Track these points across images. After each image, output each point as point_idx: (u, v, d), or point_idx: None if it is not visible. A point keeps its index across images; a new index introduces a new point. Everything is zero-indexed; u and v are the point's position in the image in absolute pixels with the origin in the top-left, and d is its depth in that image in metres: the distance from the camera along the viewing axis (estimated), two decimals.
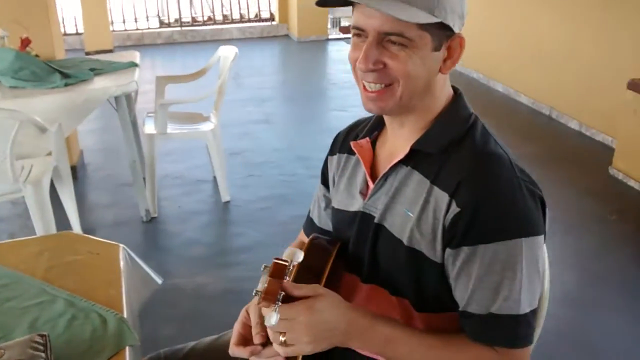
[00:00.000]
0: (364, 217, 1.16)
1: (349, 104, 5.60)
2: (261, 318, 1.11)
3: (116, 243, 1.56)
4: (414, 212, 1.06)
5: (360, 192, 1.19)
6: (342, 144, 1.30)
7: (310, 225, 1.41)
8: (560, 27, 4.90)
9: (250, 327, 1.14)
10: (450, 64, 1.07)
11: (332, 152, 1.33)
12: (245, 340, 1.13)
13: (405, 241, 1.07)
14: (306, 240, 1.40)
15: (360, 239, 1.16)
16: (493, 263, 1.00)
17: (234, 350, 1.13)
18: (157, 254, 3.13)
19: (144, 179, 3.49)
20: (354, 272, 1.18)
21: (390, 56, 1.02)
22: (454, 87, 1.15)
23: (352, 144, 1.22)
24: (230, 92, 5.17)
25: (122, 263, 1.48)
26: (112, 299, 1.31)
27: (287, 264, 0.86)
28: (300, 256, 0.86)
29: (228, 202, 3.64)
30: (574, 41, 4.72)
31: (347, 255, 1.20)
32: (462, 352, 1.04)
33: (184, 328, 2.51)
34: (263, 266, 0.95)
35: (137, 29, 8.58)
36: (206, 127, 3.58)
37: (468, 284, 1.03)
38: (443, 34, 1.03)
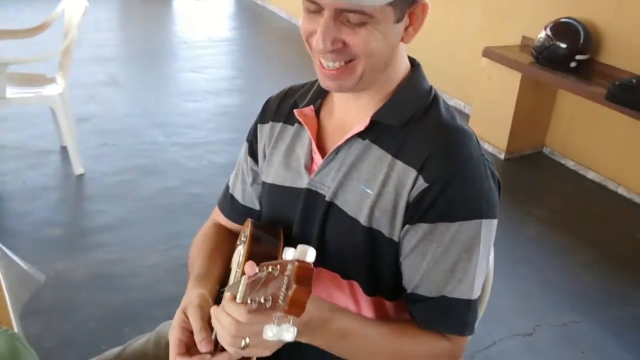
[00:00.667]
0: (310, 195, 1.04)
1: (203, 64, 5.33)
2: (205, 321, 0.94)
3: None
4: (373, 188, 0.98)
5: (305, 167, 1.07)
6: (276, 111, 1.15)
7: (230, 204, 1.24)
8: None
9: (191, 332, 0.96)
10: (413, 31, 0.97)
11: (263, 120, 1.18)
12: (188, 348, 0.96)
13: (362, 220, 0.98)
14: (225, 221, 1.26)
15: (307, 219, 1.05)
16: (452, 243, 0.95)
17: None
18: (7, 237, 2.71)
19: None
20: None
21: (349, 33, 0.91)
22: (410, 58, 1.06)
23: (296, 112, 1.08)
24: (75, 49, 4.64)
25: None
26: None
27: (312, 267, 0.68)
28: (313, 254, 0.69)
29: (82, 175, 3.27)
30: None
31: (290, 237, 1.07)
32: (417, 341, 0.98)
33: (51, 324, 2.21)
34: (242, 259, 0.82)
35: None
36: (52, 90, 3.15)
37: (421, 263, 0.97)
38: (405, 3, 0.93)
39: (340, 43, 0.91)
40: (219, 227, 1.26)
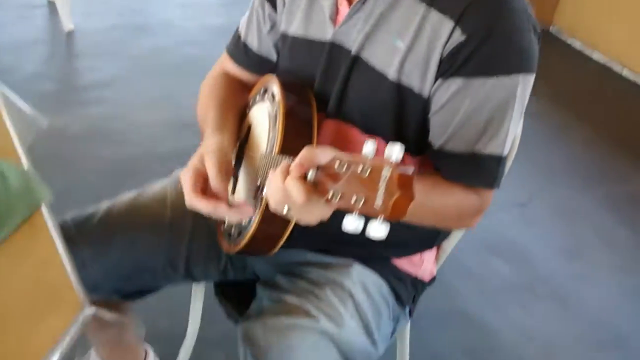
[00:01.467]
0: (334, 49, 0.96)
1: None
2: (222, 167, 0.88)
3: None
4: (405, 40, 0.89)
5: (330, 18, 0.97)
6: None
7: (244, 52, 1.14)
8: None
9: (205, 177, 0.91)
10: None
11: None
12: (202, 192, 0.91)
13: (390, 75, 0.91)
14: (236, 70, 1.16)
15: (329, 74, 0.97)
16: (488, 99, 0.88)
17: (192, 200, 0.90)
18: None
19: None
20: (318, 109, 0.98)
21: None
22: None
23: None
24: None
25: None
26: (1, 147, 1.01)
27: (411, 171, 0.61)
28: (401, 153, 0.62)
29: (71, 31, 3.12)
30: None
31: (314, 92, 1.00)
32: (447, 193, 0.94)
33: (48, 176, 2.15)
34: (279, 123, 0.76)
35: None
36: None
37: (453, 118, 0.90)
38: None
39: None
40: (229, 77, 1.17)
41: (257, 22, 1.11)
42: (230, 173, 0.91)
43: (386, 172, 0.59)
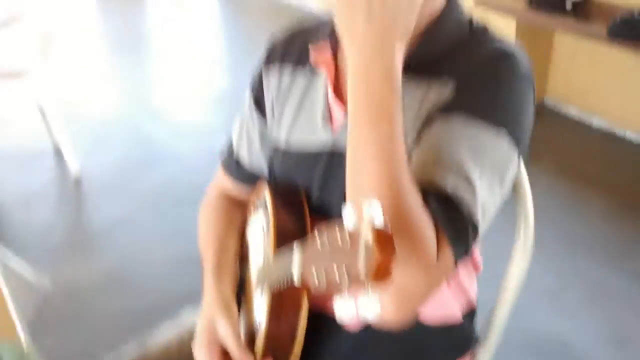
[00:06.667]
0: (334, 156, 0.90)
1: (189, 48, 5.17)
2: (238, 336, 0.87)
3: None
4: (411, 134, 0.83)
5: (324, 119, 0.92)
6: (284, 50, 1.00)
7: (236, 168, 1.11)
8: None
9: (221, 346, 0.89)
10: None
11: (269, 61, 1.02)
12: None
13: None
14: (231, 184, 1.13)
15: (329, 183, 0.92)
16: (462, 138, 0.79)
17: None
18: (5, 248, 2.63)
19: None
20: (324, 216, 0.93)
21: None
22: None
23: (311, 47, 0.93)
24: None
25: None
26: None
27: (388, 229, 0.58)
28: (378, 209, 0.59)
29: (79, 174, 3.17)
30: None
31: (309, 202, 0.95)
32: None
33: (64, 335, 2.14)
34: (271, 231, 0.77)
35: None
36: (35, 82, 3.02)
37: (425, 147, 0.80)
38: None
39: None
40: (226, 195, 1.14)
41: (248, 134, 1.08)
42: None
43: (365, 233, 0.57)
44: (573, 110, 3.68)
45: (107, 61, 5.01)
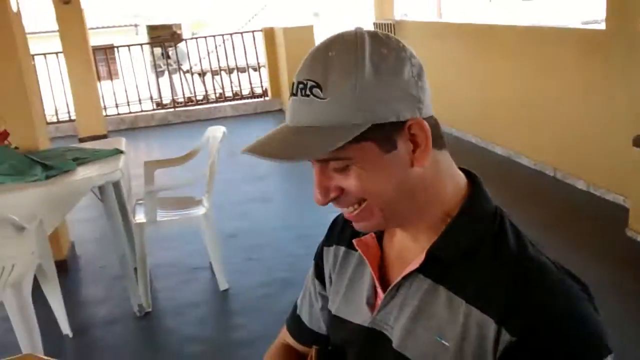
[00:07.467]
0: (373, 335, 0.95)
1: None
2: None
3: None
4: (449, 340, 0.84)
5: (368, 303, 0.98)
6: (340, 234, 1.08)
7: (297, 325, 1.18)
8: (555, 86, 4.82)
9: None
10: (421, 153, 0.85)
11: (327, 243, 1.11)
12: None
13: None
14: (292, 342, 1.19)
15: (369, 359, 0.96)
16: None
17: None
18: (151, 353, 2.89)
19: (136, 269, 3.29)
20: None
21: (341, 179, 0.86)
22: (468, 172, 0.95)
23: (355, 242, 1.01)
24: (226, 170, 5.04)
25: None
26: None
27: None
28: None
29: (227, 290, 3.42)
30: (569, 98, 4.62)
31: None
32: None
33: None
34: None
35: (130, 112, 8.56)
36: (198, 211, 3.40)
37: None
38: (390, 130, 0.83)
39: (338, 190, 0.87)
40: (287, 349, 1.20)
41: (309, 297, 1.16)
42: None
43: None
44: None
45: (275, 186, 5.44)
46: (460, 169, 0.95)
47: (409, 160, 0.85)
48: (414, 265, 0.89)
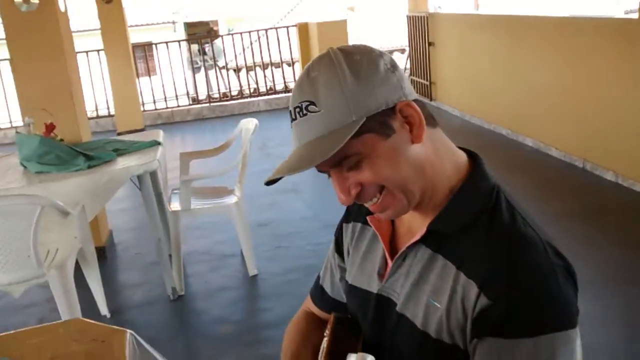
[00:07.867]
0: (381, 301, 1.07)
1: None
2: None
3: (123, 329, 1.49)
4: (441, 302, 0.96)
5: (378, 273, 1.10)
6: (357, 211, 1.20)
7: (321, 295, 1.30)
8: (586, 77, 4.82)
9: None
10: (417, 130, 0.96)
11: (346, 220, 1.24)
12: None
13: (432, 334, 0.97)
14: (316, 310, 1.31)
15: (379, 325, 1.08)
16: (527, 359, 0.89)
17: None
18: (184, 333, 3.06)
19: (170, 256, 3.46)
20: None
21: (356, 174, 0.96)
22: (469, 152, 1.06)
23: (368, 218, 1.13)
24: (257, 162, 5.20)
25: (127, 350, 1.41)
26: None
27: None
28: None
29: (255, 275, 3.57)
30: (601, 90, 4.62)
31: (365, 338, 1.11)
32: None
33: None
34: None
35: (167, 108, 8.81)
36: (229, 200, 3.56)
37: None
38: (384, 117, 0.94)
39: (357, 185, 0.97)
40: (310, 316, 1.32)
41: (330, 270, 1.28)
42: None
43: None
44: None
45: (305, 178, 5.56)
46: (462, 148, 1.06)
47: (409, 139, 0.96)
48: (417, 237, 1.01)
